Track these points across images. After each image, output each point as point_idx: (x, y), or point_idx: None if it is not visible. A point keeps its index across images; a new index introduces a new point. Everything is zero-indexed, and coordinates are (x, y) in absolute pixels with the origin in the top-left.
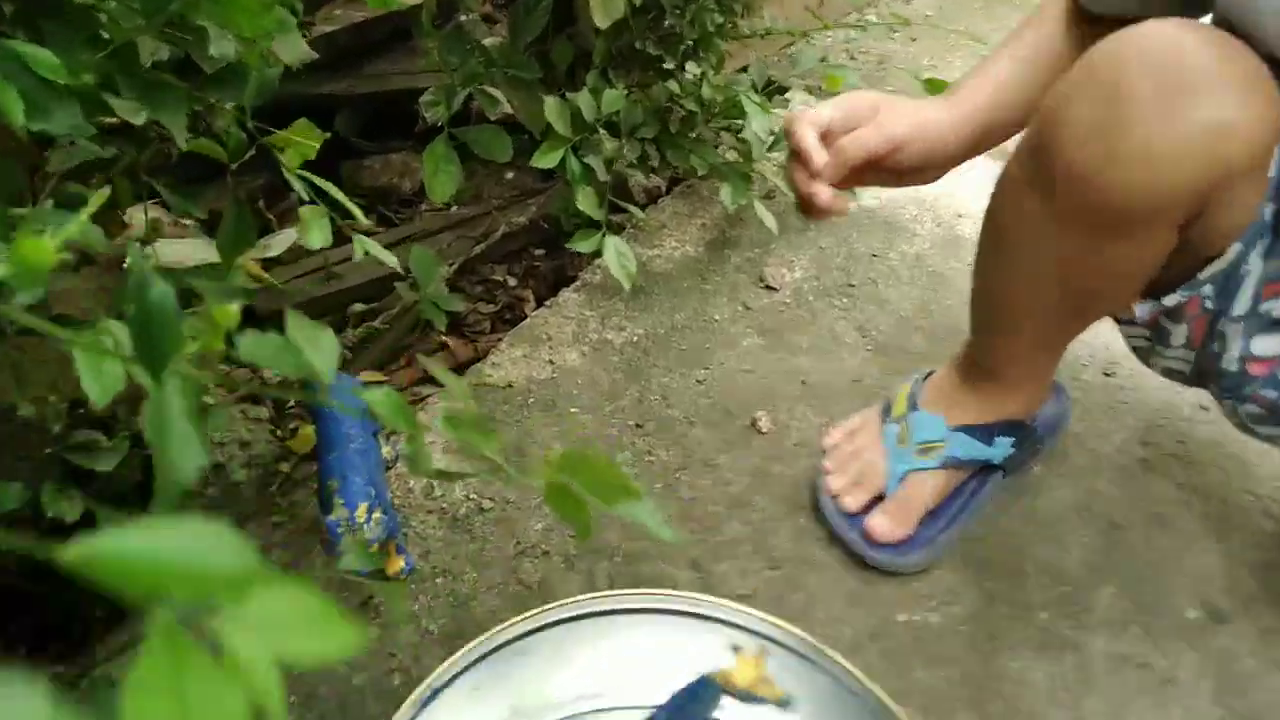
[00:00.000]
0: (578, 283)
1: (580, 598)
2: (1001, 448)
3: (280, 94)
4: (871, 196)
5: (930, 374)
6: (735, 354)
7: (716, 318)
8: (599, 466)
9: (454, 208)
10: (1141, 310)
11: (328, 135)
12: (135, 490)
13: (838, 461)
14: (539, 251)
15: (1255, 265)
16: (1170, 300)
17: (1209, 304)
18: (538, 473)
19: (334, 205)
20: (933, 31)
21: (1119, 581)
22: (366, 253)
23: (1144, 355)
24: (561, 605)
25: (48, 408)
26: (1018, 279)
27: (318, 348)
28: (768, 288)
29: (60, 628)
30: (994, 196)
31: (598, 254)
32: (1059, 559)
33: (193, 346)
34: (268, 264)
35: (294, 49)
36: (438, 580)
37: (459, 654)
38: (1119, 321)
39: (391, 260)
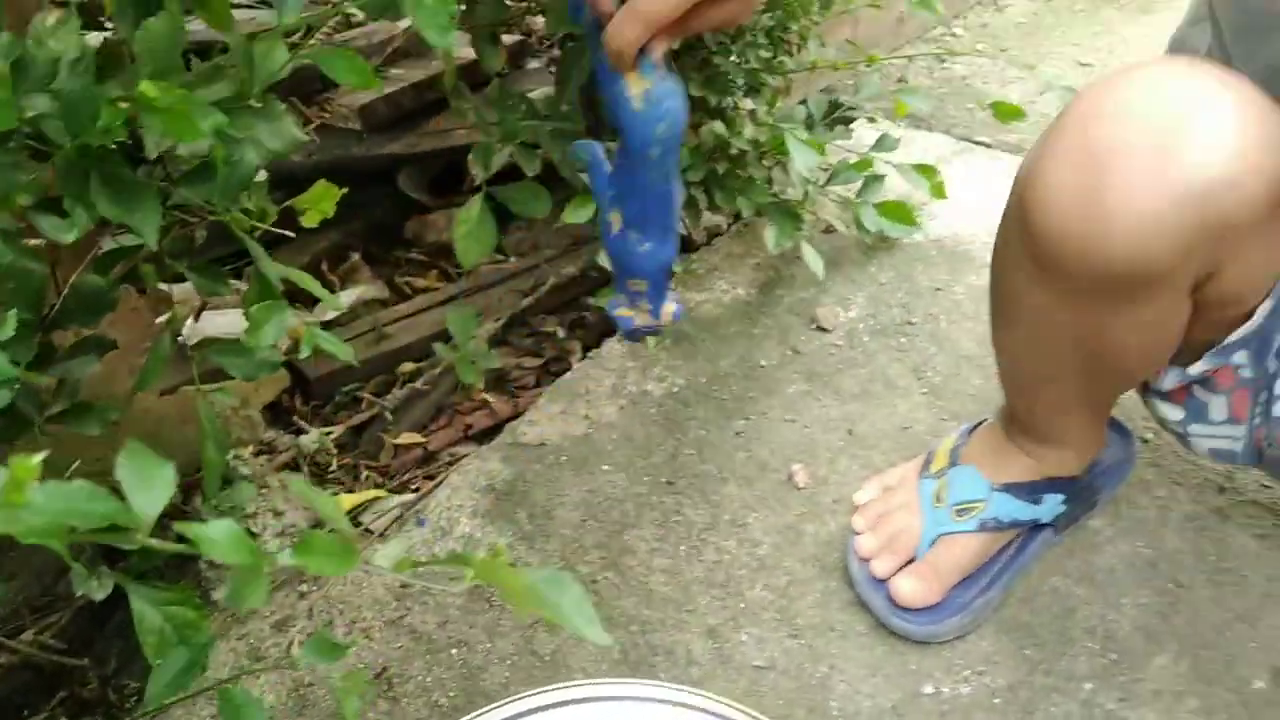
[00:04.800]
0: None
1: (574, 683)
2: (1050, 505)
3: (342, 158)
4: (942, 226)
5: (980, 424)
6: (778, 402)
7: (763, 363)
8: (509, 578)
9: (510, 259)
10: (1168, 380)
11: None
12: (166, 563)
13: (870, 520)
14: (590, 299)
15: None
16: (1196, 370)
17: (1245, 372)
18: (469, 576)
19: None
20: (1029, 39)
21: (1178, 648)
22: (417, 311)
23: (1182, 436)
24: (562, 688)
25: None
26: (1032, 349)
27: (148, 488)
28: (820, 329)
29: (97, 701)
30: (992, 265)
31: None
32: (1112, 622)
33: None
34: (325, 325)
35: (284, 136)
36: (452, 651)
37: None
38: (1146, 393)
39: (345, 353)
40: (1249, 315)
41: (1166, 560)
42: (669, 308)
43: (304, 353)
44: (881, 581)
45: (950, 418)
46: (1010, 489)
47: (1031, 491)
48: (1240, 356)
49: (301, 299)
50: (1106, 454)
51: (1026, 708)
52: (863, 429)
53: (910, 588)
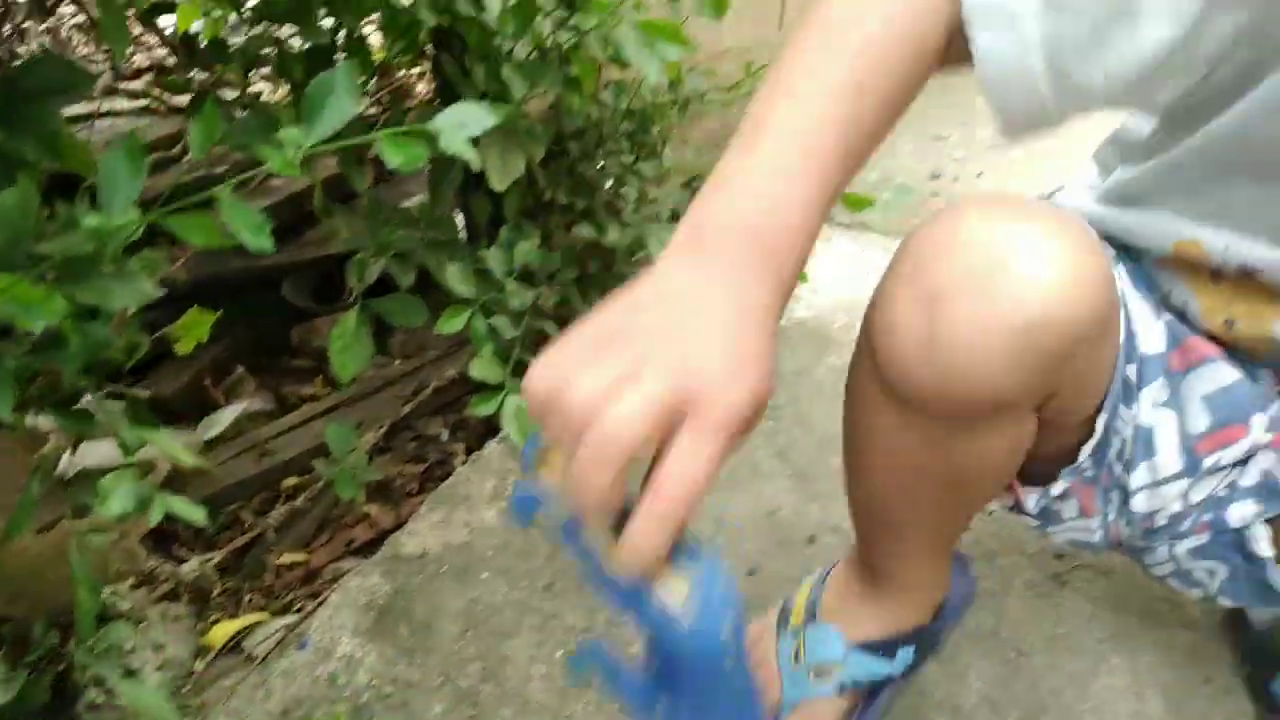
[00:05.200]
0: (502, 434)
1: None
2: (902, 659)
3: (222, 272)
4: (804, 308)
5: (830, 570)
6: None
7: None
8: None
9: (396, 360)
10: (1032, 503)
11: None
12: (43, 711)
13: None
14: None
15: (1157, 419)
16: (1057, 489)
17: (1088, 473)
18: None
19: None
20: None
21: (1019, 713)
22: (300, 422)
23: (1043, 533)
24: None
25: None
26: (885, 486)
27: None
28: None
29: None
30: (846, 398)
31: None
32: (958, 694)
33: None
34: (208, 444)
35: (139, 294)
36: None
37: None
38: (1007, 508)
39: (197, 516)
40: (1092, 425)
41: (1008, 629)
42: None
43: (153, 520)
44: None
45: (814, 498)
46: (866, 647)
47: (886, 649)
48: (1085, 462)
49: (184, 418)
50: (951, 592)
51: None
52: (732, 515)
53: None
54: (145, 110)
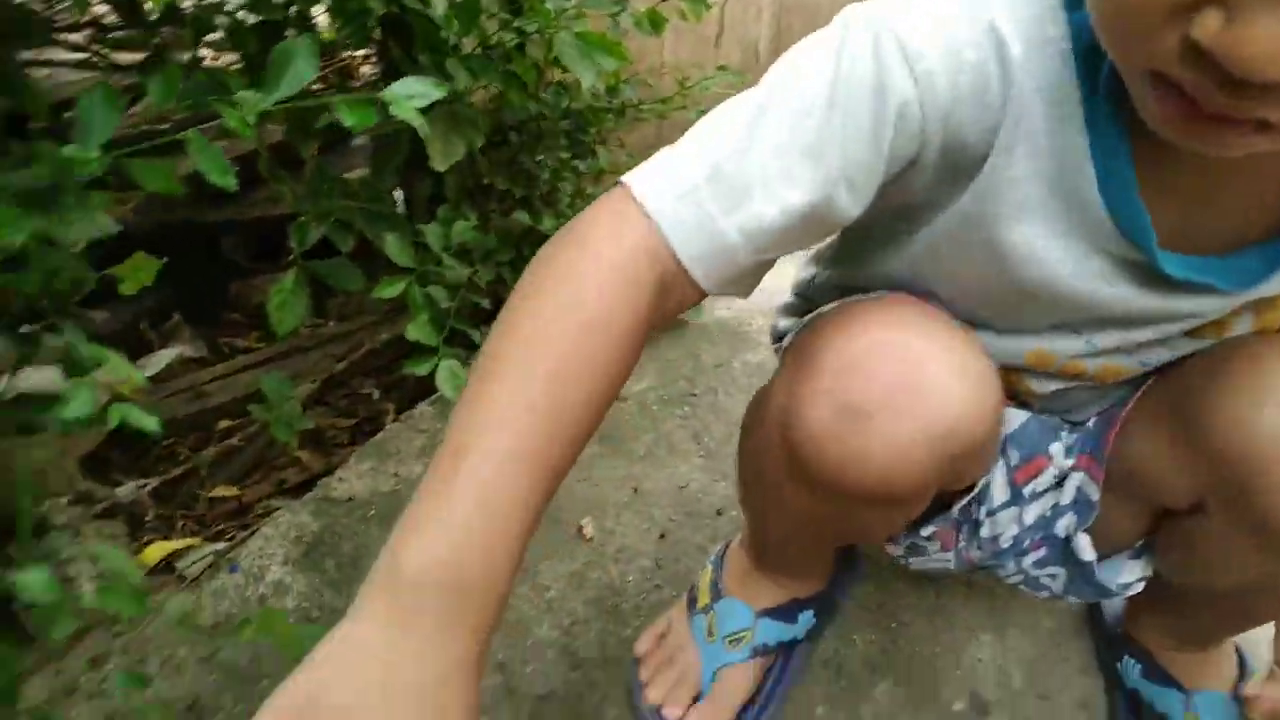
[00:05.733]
0: (433, 396)
1: None
2: (804, 622)
3: (171, 220)
4: (724, 307)
5: (724, 551)
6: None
7: None
8: (284, 629)
9: (330, 323)
10: (895, 548)
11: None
12: None
13: (652, 669)
14: (404, 369)
15: (997, 470)
16: (927, 531)
17: (953, 519)
18: (245, 634)
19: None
20: None
21: (896, 676)
22: (235, 370)
23: (903, 565)
24: None
25: None
26: (781, 518)
27: None
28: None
29: None
30: (746, 447)
31: None
32: (844, 657)
33: None
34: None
35: (99, 226)
36: (263, 683)
37: None
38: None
39: (151, 425)
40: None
41: (894, 601)
42: None
43: (112, 423)
44: None
45: (721, 478)
46: (770, 613)
47: (788, 613)
48: (954, 513)
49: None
50: (843, 569)
51: None
52: (647, 487)
53: None
54: (84, 64)
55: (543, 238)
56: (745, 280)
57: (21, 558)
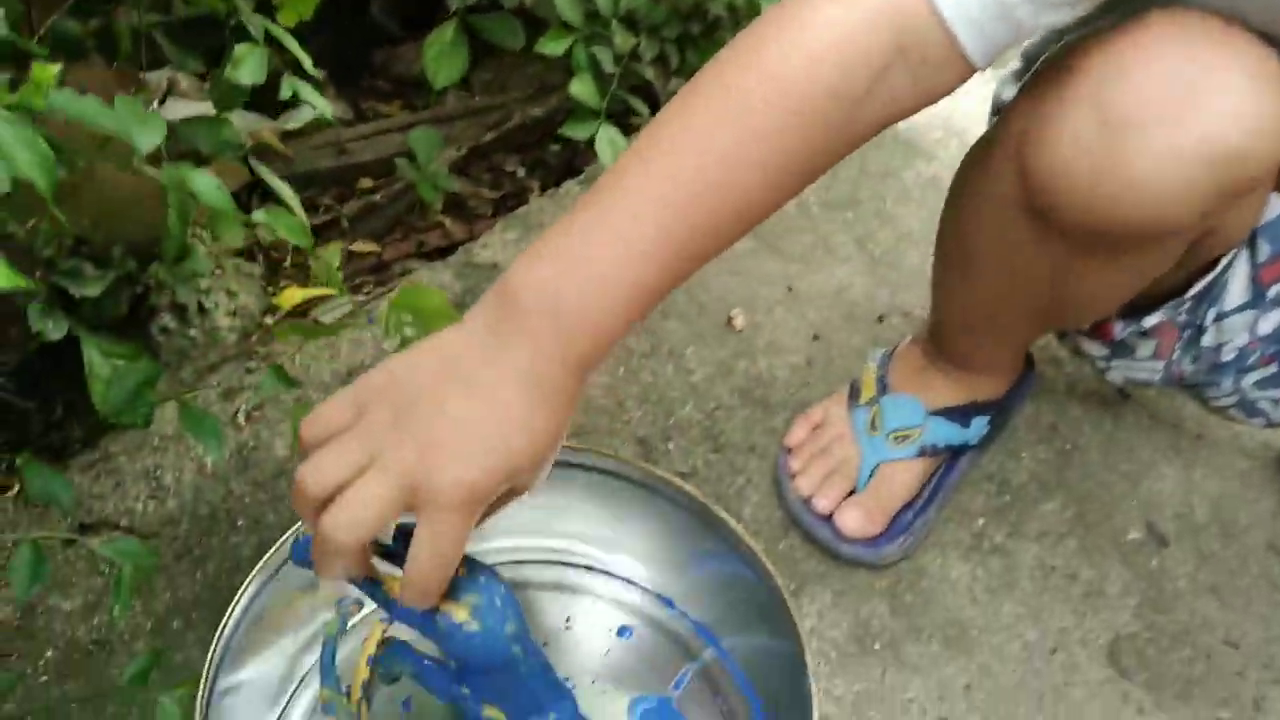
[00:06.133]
0: (583, 175)
1: None
2: (977, 428)
3: None
4: None
5: (893, 350)
6: (725, 255)
7: None
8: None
9: (476, 97)
10: (1120, 330)
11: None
12: (119, 323)
13: (804, 460)
14: (554, 146)
15: (1241, 263)
16: (1150, 322)
17: (1181, 318)
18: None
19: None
20: None
21: (1065, 497)
22: (379, 132)
23: (1101, 369)
24: None
25: (39, 232)
26: (991, 295)
27: (142, 125)
28: None
29: (41, 445)
30: (958, 205)
31: None
32: (1010, 472)
33: None
34: (286, 136)
35: None
36: None
37: None
38: (1060, 335)
39: (323, 106)
40: (1209, 265)
41: (1067, 424)
42: None
43: (284, 93)
44: (825, 517)
45: (885, 286)
46: (943, 413)
47: (964, 415)
48: (1188, 304)
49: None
50: (1021, 376)
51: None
52: (802, 286)
53: (857, 520)
54: None
55: (714, 20)
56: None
57: (165, 274)
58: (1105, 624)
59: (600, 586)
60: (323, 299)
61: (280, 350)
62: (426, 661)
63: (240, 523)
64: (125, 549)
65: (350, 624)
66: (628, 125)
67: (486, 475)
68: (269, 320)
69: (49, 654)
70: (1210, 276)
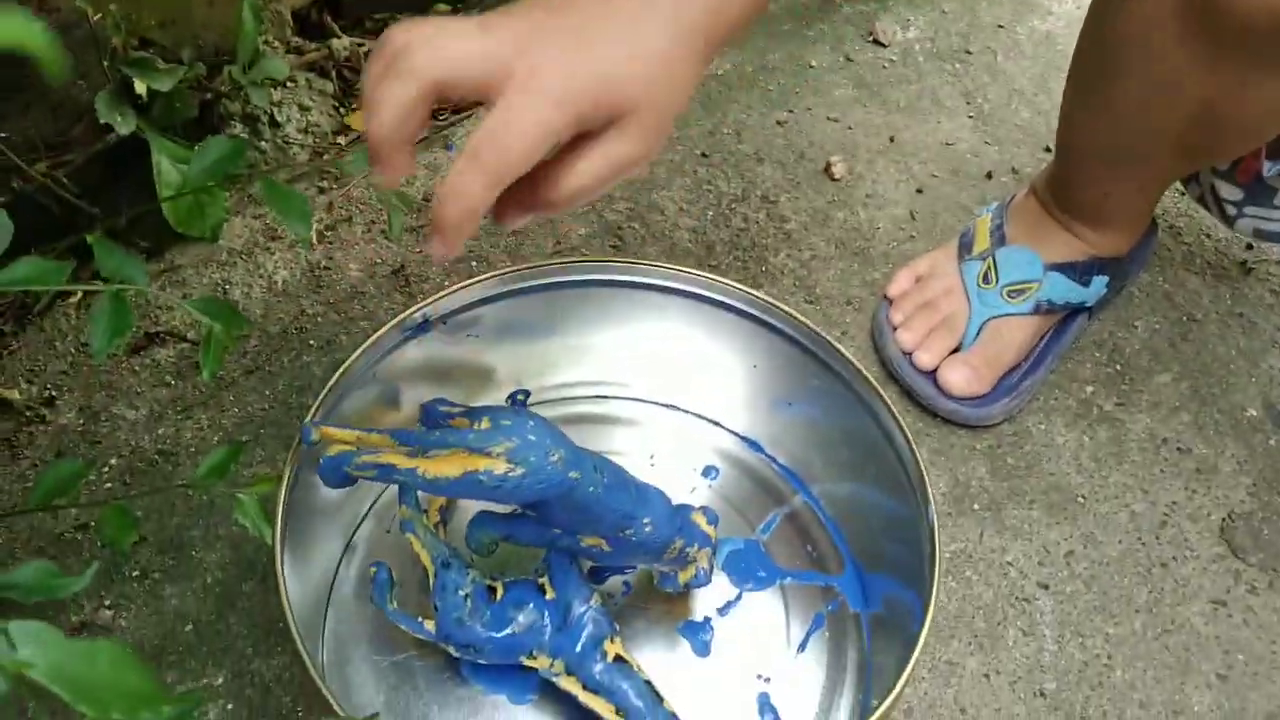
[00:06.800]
0: None
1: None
2: (1096, 288)
3: None
4: None
5: (1009, 202)
6: (824, 101)
7: (813, 64)
8: None
9: None
10: (1269, 169)
11: None
12: (189, 128)
13: (908, 311)
14: None
15: None
16: None
17: None
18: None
19: None
20: None
21: (1180, 369)
22: None
23: (1231, 216)
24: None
25: (108, 16)
26: (1138, 119)
27: None
28: (876, 43)
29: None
30: (1103, 30)
31: None
32: (1122, 340)
33: None
34: None
35: None
36: (472, 264)
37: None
38: (1187, 182)
39: None
40: None
41: (1184, 296)
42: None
43: None
44: (928, 372)
45: (994, 142)
46: (1062, 268)
47: (1084, 272)
48: None
49: None
50: (1142, 238)
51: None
52: (905, 138)
53: (963, 378)
54: None
55: None
56: None
57: (237, 75)
58: (1218, 501)
59: (686, 425)
60: None
61: (349, 174)
62: (510, 519)
63: (312, 342)
64: (214, 308)
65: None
66: None
67: (596, 80)
68: (341, 141)
69: (113, 461)
70: None
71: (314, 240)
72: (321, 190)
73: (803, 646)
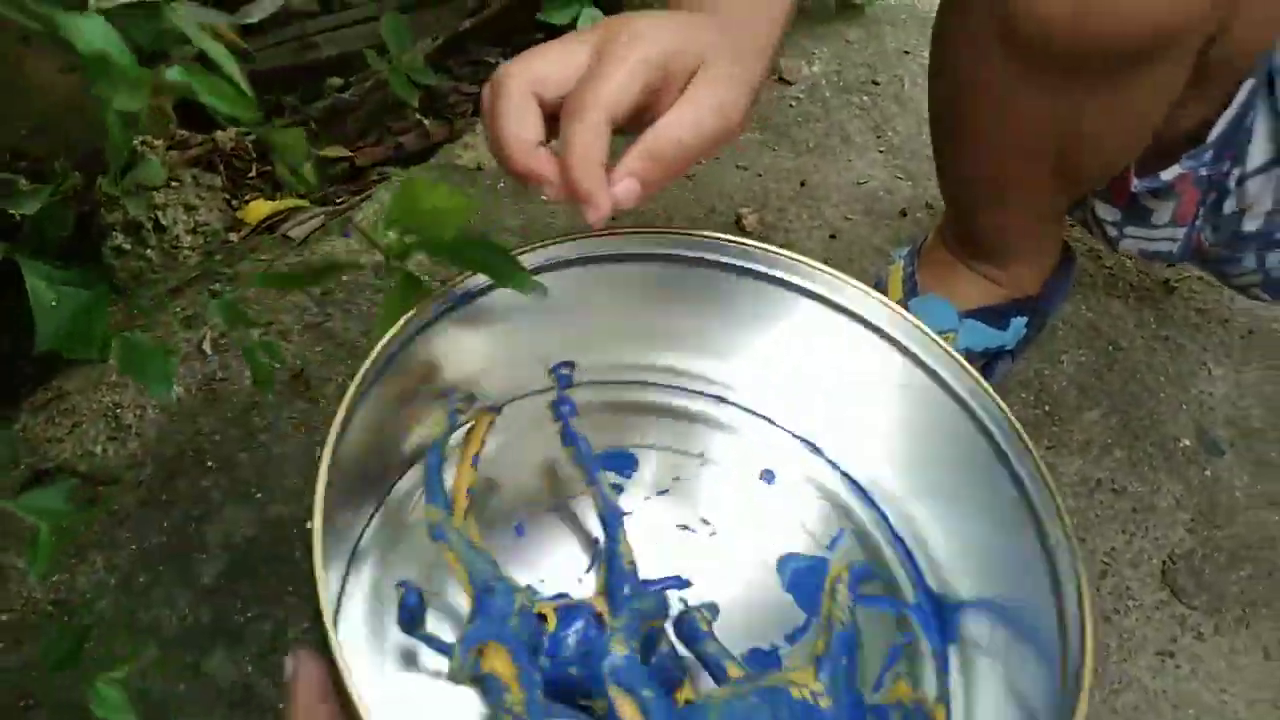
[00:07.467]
0: None
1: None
2: (1015, 330)
3: None
4: None
5: (920, 246)
6: (731, 149)
7: None
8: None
9: None
10: (1138, 185)
11: None
12: (67, 245)
13: None
14: (538, 35)
15: (1261, 115)
16: (1170, 174)
17: (1203, 171)
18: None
19: None
20: None
21: (1109, 404)
22: (346, 24)
23: (1112, 238)
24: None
25: None
26: (1000, 149)
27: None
28: (781, 80)
29: None
30: (941, 51)
31: None
32: (1049, 378)
33: None
34: (246, 30)
35: None
36: None
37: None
38: (1079, 220)
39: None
40: (1226, 103)
41: (1108, 322)
42: None
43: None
44: None
45: (906, 176)
46: (977, 314)
47: (1001, 315)
48: (1208, 157)
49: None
50: (1058, 271)
51: None
52: (816, 180)
53: None
54: None
55: None
56: None
57: (110, 188)
58: (1157, 543)
59: (740, 422)
60: (292, 212)
61: (245, 272)
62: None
63: (210, 463)
64: (42, 504)
65: (461, 422)
66: (609, 6)
67: (682, 39)
68: (234, 237)
69: (4, 618)
70: (1230, 112)
71: (208, 349)
72: (214, 293)
73: (878, 685)
